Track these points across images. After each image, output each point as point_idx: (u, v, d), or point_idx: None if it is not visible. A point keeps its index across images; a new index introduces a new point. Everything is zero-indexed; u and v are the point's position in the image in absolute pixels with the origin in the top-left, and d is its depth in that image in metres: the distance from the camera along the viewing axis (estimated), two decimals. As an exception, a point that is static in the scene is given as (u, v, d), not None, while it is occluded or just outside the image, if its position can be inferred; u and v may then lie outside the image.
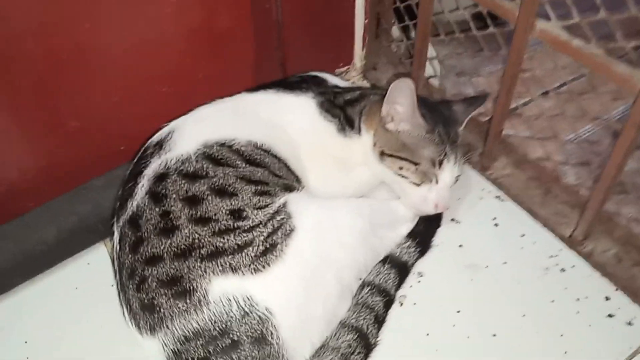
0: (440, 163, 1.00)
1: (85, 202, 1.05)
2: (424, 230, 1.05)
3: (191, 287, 0.80)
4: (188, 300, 0.80)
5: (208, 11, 1.08)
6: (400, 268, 0.98)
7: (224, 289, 0.80)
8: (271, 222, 0.86)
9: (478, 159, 1.21)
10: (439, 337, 0.93)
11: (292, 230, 0.86)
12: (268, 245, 0.84)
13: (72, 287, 1.01)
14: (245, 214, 0.86)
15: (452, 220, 1.11)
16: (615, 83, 0.89)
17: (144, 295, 0.82)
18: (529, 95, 1.17)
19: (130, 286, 0.84)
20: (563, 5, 0.93)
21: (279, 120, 1.02)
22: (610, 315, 0.96)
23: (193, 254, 0.82)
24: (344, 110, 1.07)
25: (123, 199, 0.92)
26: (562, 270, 1.03)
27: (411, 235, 1.03)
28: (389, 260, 0.98)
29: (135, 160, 0.97)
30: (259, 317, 0.79)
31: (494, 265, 1.03)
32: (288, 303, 0.82)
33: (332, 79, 1.16)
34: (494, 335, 0.94)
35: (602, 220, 1.05)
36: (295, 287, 0.84)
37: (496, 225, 1.10)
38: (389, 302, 0.95)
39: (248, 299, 0.80)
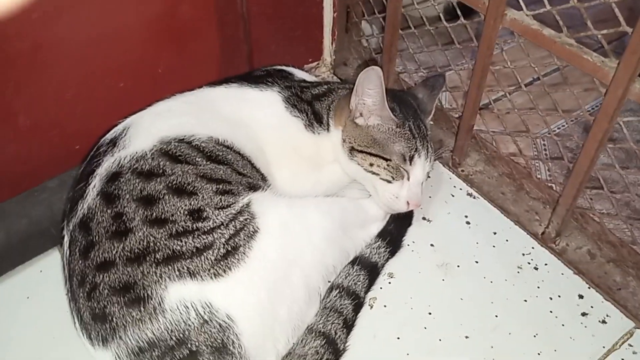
0: (412, 159, 0.97)
1: (37, 204, 0.99)
2: (395, 230, 1.01)
3: (145, 294, 0.75)
4: (142, 309, 0.74)
5: (168, 3, 1.03)
6: (370, 269, 0.95)
7: (181, 296, 0.75)
8: (233, 223, 0.81)
9: (449, 156, 1.18)
10: (411, 340, 0.90)
11: (255, 231, 0.81)
12: (229, 248, 0.79)
13: (23, 296, 0.95)
14: (205, 214, 0.81)
15: (424, 218, 1.08)
16: (587, 73, 0.87)
17: (95, 304, 0.77)
18: (501, 91, 1.14)
19: (81, 294, 0.79)
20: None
21: (243, 115, 0.98)
22: (583, 314, 0.94)
23: (148, 258, 0.77)
24: (311, 105, 1.03)
25: (74, 200, 0.86)
26: (535, 268, 1.00)
27: (381, 235, 1.00)
28: (359, 261, 0.95)
29: (87, 159, 0.92)
30: (220, 324, 0.75)
31: (466, 264, 1.01)
32: (251, 309, 0.78)
33: (299, 73, 1.12)
34: (467, 337, 0.91)
35: (575, 216, 1.04)
36: (259, 292, 0.79)
37: (468, 223, 1.07)
38: (358, 305, 0.91)
39: (207, 305, 0.75)
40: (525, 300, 0.96)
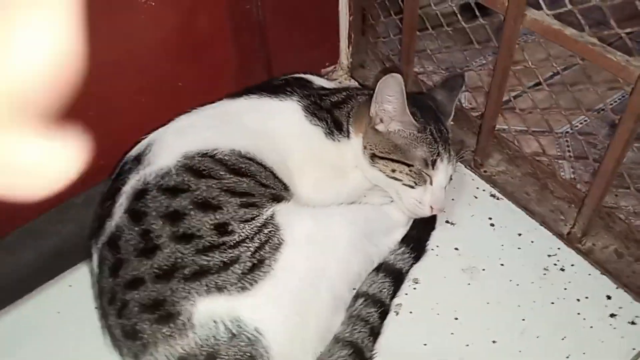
0: (434, 163, 0.96)
1: (66, 222, 1.01)
2: (418, 235, 1.01)
3: (175, 311, 0.76)
4: (172, 325, 0.76)
5: (183, 16, 1.04)
6: (395, 276, 0.95)
7: (209, 311, 0.76)
8: (258, 235, 0.82)
9: (471, 157, 1.17)
10: (438, 346, 0.90)
11: (280, 243, 0.82)
12: (256, 261, 0.80)
13: (53, 311, 0.97)
14: (230, 228, 0.82)
15: (447, 222, 1.07)
16: (611, 72, 0.85)
17: (125, 321, 0.78)
18: (521, 87, 1.13)
19: (112, 312, 0.80)
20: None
21: (264, 126, 0.98)
22: (612, 315, 0.93)
23: (176, 274, 0.78)
24: (330, 113, 1.03)
25: (101, 219, 0.88)
26: (562, 269, 0.99)
27: (405, 240, 1.00)
28: (383, 268, 0.95)
29: (113, 177, 0.93)
30: (248, 338, 0.76)
31: (492, 267, 1.00)
32: (278, 321, 0.79)
33: (318, 80, 1.12)
34: (494, 341, 0.90)
35: (600, 215, 1.02)
36: (286, 304, 0.80)
37: (492, 225, 1.07)
38: (384, 313, 0.91)
39: (236, 320, 0.76)
40: (553, 303, 0.95)
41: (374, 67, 1.40)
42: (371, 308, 0.90)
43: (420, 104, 1.02)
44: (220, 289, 0.77)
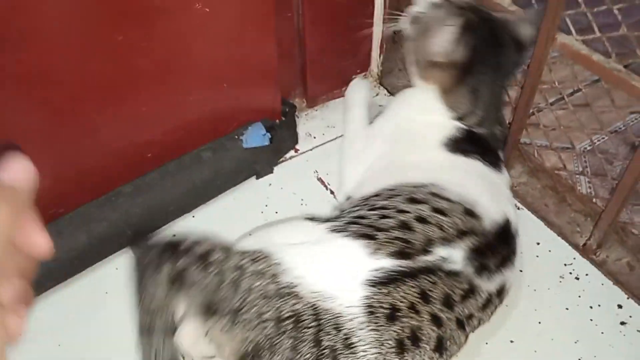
0: None
1: (114, 208, 1.08)
2: None
3: None
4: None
5: (232, 31, 1.09)
6: None
7: None
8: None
9: (494, 167, 1.24)
10: (459, 343, 0.97)
11: None
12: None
13: (102, 291, 1.05)
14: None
15: (470, 228, 1.14)
16: (636, 98, 0.92)
17: None
18: (543, 102, 1.19)
19: None
20: (584, 19, 0.97)
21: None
22: (622, 323, 0.99)
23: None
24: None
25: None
26: (577, 278, 1.06)
27: None
28: None
29: None
30: None
31: (511, 273, 1.07)
32: None
33: None
34: (512, 341, 0.97)
35: (615, 229, 1.08)
36: None
37: (512, 233, 1.13)
38: None
39: None
40: (567, 309, 1.02)
41: (402, 76, 1.46)
42: None
43: None
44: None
